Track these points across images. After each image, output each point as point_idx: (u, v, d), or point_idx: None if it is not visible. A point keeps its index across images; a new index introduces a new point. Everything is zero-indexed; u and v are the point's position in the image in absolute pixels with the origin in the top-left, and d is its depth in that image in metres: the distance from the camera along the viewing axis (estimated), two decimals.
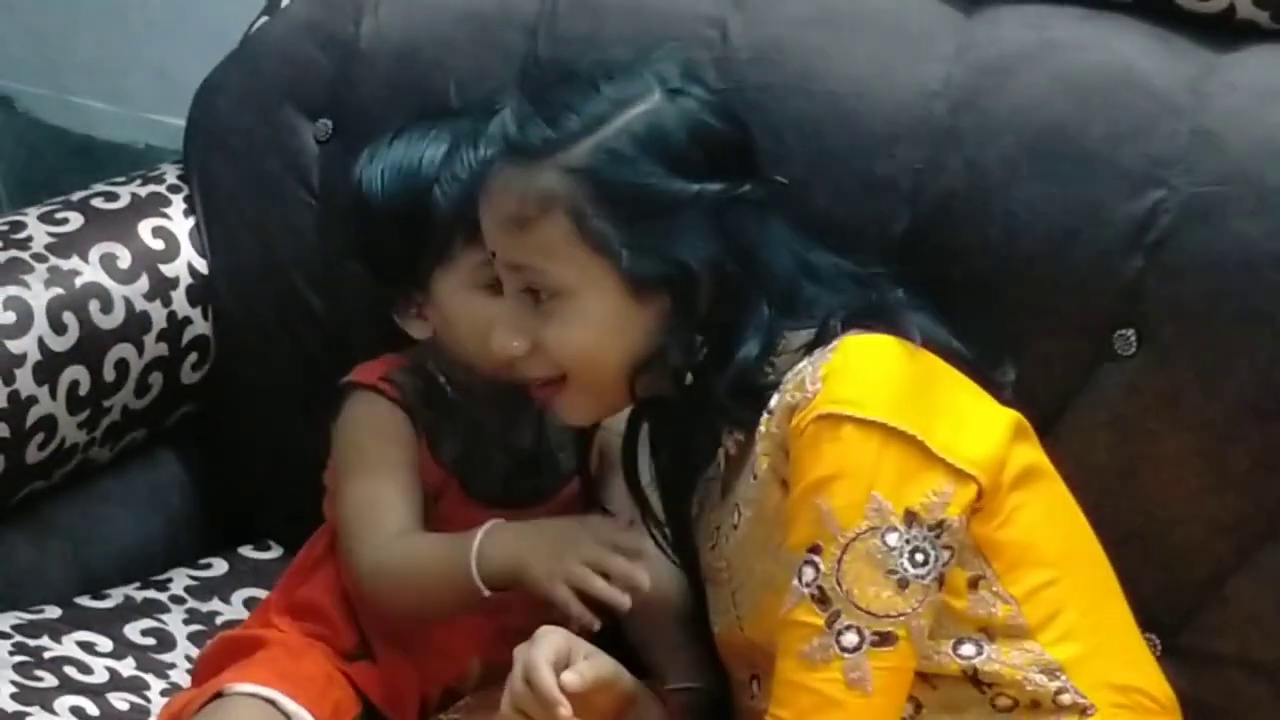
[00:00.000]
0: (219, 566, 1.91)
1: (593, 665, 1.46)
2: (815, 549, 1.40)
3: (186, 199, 1.96)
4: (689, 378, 1.49)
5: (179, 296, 1.91)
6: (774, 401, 1.45)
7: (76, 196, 1.95)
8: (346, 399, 1.70)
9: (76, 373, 1.83)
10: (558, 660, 1.45)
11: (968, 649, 1.44)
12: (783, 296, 1.49)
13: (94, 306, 1.84)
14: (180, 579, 1.89)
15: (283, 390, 1.95)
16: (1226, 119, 1.59)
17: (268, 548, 1.96)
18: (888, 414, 1.40)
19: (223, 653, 1.68)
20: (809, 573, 1.40)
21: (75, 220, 1.90)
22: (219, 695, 1.60)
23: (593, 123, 1.48)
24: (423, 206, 1.65)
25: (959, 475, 1.41)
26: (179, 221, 1.94)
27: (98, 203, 1.93)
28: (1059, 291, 1.61)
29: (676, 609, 1.64)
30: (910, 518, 1.40)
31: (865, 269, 1.53)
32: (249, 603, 1.86)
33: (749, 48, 1.75)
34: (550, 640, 1.46)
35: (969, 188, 1.64)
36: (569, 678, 1.44)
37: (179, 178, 1.99)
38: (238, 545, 1.95)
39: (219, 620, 1.83)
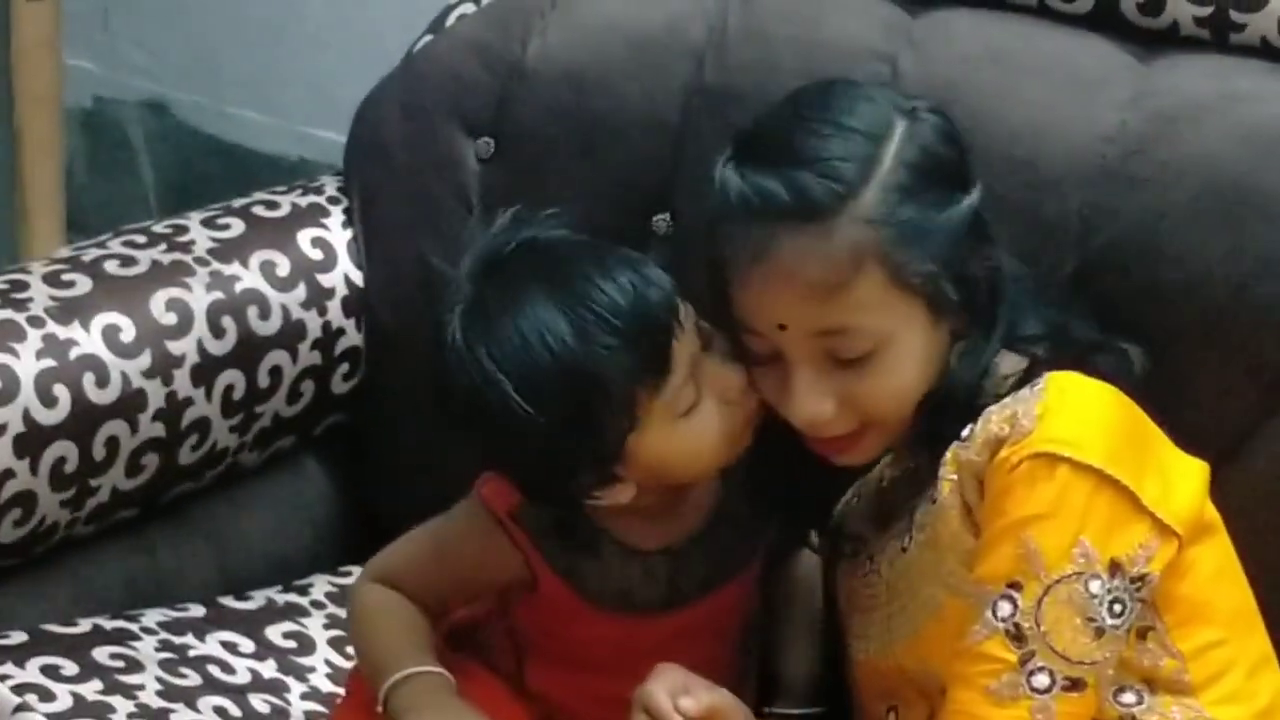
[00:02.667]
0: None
1: (710, 693, 1.47)
2: (1015, 585, 1.39)
3: (345, 211, 1.98)
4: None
5: (334, 307, 1.93)
6: (972, 429, 1.44)
7: (238, 203, 1.97)
8: (472, 500, 1.61)
9: (232, 377, 1.85)
10: (674, 691, 1.46)
11: (1128, 697, 1.43)
12: (1009, 321, 1.48)
13: (252, 312, 1.86)
14: (321, 584, 1.90)
15: (429, 406, 1.95)
16: None
17: None
18: (1104, 460, 1.39)
19: None
20: (1005, 608, 1.39)
21: (237, 226, 1.92)
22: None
23: (867, 166, 1.43)
24: (586, 393, 1.45)
25: (1165, 530, 1.40)
26: (337, 233, 1.96)
27: (259, 210, 1.96)
28: (1230, 342, 1.60)
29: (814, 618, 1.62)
30: (1115, 568, 1.39)
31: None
32: None
33: (920, 85, 1.73)
34: (669, 674, 1.47)
35: (1139, 233, 1.63)
36: (686, 703, 1.44)
37: (339, 189, 2.01)
38: None
39: None
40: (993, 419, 1.43)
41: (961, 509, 1.43)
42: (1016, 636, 1.38)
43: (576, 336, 1.45)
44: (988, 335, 1.47)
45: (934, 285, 1.43)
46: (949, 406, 1.46)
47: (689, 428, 1.50)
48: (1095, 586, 1.38)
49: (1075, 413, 1.41)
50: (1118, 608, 1.38)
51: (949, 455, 1.44)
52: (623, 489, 1.51)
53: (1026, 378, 1.45)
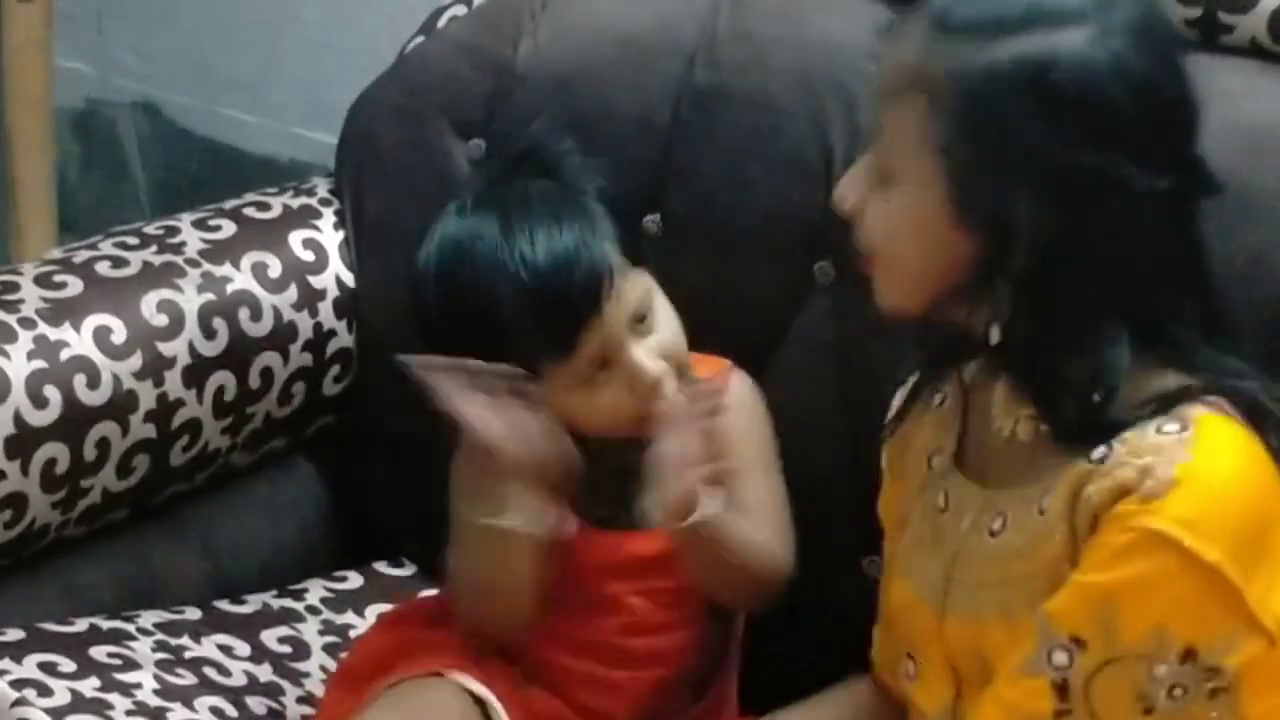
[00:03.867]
0: (354, 580, 1.93)
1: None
2: (1078, 641, 1.31)
3: (337, 212, 1.98)
4: (995, 335, 1.36)
5: (326, 308, 1.93)
6: (1104, 453, 1.32)
7: (229, 205, 1.97)
8: None
9: (223, 378, 1.85)
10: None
11: None
12: (1140, 320, 1.33)
13: (244, 314, 1.86)
14: (316, 590, 1.90)
15: (421, 408, 1.95)
16: None
17: (401, 564, 1.96)
18: (1223, 556, 1.28)
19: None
20: (1061, 657, 1.31)
21: (228, 228, 1.92)
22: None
23: (995, 29, 1.30)
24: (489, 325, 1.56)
25: (1257, 629, 1.30)
26: (329, 234, 1.96)
27: (250, 212, 1.96)
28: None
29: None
30: (1189, 654, 1.29)
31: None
32: (382, 619, 1.86)
33: None
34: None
35: None
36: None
37: (330, 191, 2.01)
38: (372, 560, 1.96)
39: (352, 633, 1.84)
40: (1128, 461, 1.31)
41: (1068, 535, 1.34)
42: (1061, 690, 1.31)
43: (492, 270, 1.56)
44: (1083, 319, 1.32)
45: (957, 177, 1.32)
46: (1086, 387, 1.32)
47: (589, 395, 1.58)
48: (1161, 671, 1.29)
49: (1214, 490, 1.29)
50: (1178, 691, 1.29)
51: (1072, 472, 1.34)
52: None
53: (1171, 402, 1.33)
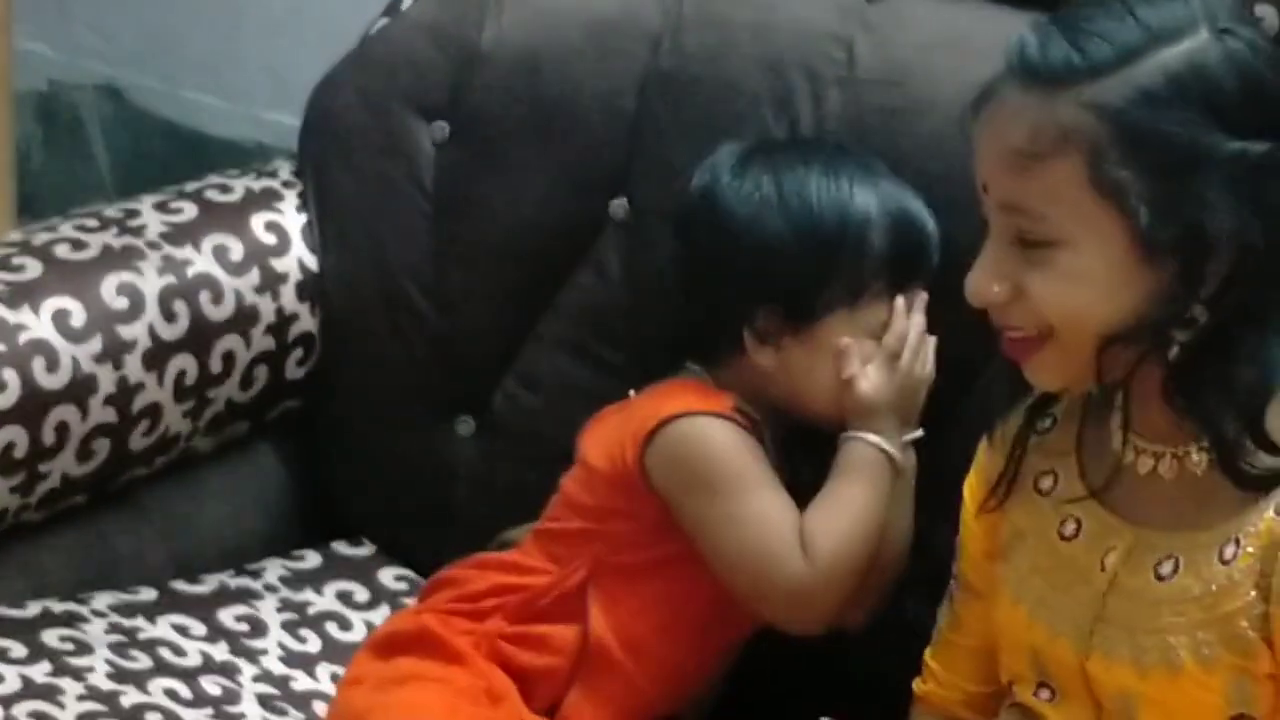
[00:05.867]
0: (312, 559, 1.91)
1: None
2: None
3: (300, 195, 1.97)
4: (1174, 353, 1.32)
5: (288, 292, 1.91)
6: None
7: (190, 187, 1.95)
8: (682, 425, 1.63)
9: (184, 362, 1.83)
10: None
11: None
12: None
13: (204, 297, 1.85)
14: (274, 568, 1.89)
15: (384, 391, 1.95)
16: None
17: (361, 544, 1.95)
18: None
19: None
20: None
21: (190, 210, 1.91)
22: None
23: (1126, 54, 1.29)
24: (855, 241, 1.63)
25: None
26: (291, 217, 1.95)
27: (211, 194, 1.94)
28: None
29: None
30: None
31: None
32: (341, 595, 1.86)
33: (876, 69, 1.74)
34: None
35: None
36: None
37: (293, 174, 1.99)
38: (331, 541, 1.95)
39: (311, 610, 1.83)
40: None
41: (1257, 599, 1.30)
42: None
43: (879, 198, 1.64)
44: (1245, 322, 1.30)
45: (1145, 210, 1.29)
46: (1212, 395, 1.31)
47: (828, 363, 1.63)
48: None
49: None
50: None
51: (1262, 525, 1.31)
52: (769, 354, 1.64)
53: None
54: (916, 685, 1.55)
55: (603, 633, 1.63)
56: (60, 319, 1.77)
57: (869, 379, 1.62)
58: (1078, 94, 1.30)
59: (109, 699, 1.63)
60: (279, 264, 1.91)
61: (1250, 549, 1.31)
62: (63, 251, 1.82)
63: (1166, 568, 1.35)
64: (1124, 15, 1.31)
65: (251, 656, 1.75)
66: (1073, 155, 1.30)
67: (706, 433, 1.62)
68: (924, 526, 1.66)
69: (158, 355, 1.81)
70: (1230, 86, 1.29)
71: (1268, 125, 1.30)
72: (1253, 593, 1.31)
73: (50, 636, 1.69)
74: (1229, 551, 1.32)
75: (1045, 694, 1.43)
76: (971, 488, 1.49)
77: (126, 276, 1.82)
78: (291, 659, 1.77)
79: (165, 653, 1.72)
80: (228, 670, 1.73)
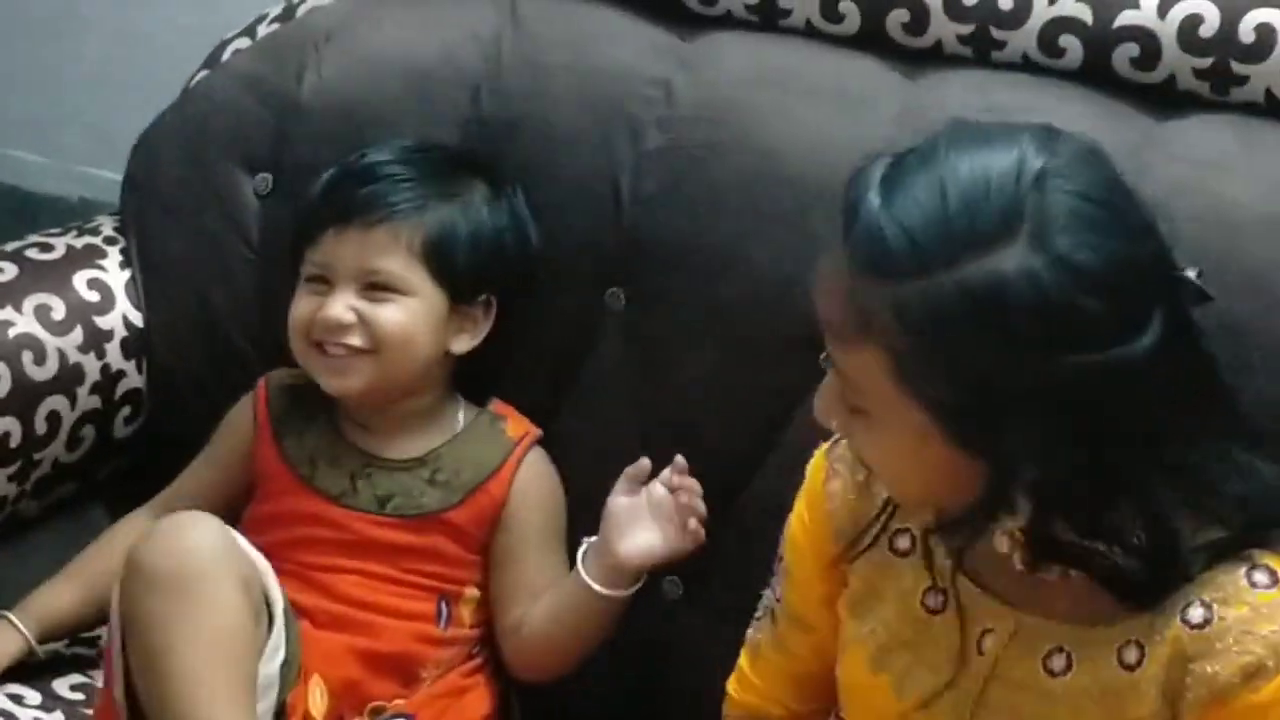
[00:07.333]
0: None
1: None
2: None
3: (123, 251, 1.95)
4: (1020, 521, 1.27)
5: (113, 349, 1.89)
6: (1204, 616, 1.25)
7: (10, 247, 1.93)
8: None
9: (7, 424, 1.80)
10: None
11: None
12: (1179, 481, 1.25)
13: (27, 358, 1.82)
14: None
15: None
16: (1169, 187, 1.58)
17: None
18: None
19: None
20: None
21: (9, 271, 1.88)
22: None
23: (928, 262, 1.19)
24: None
25: None
26: (115, 274, 1.93)
27: (32, 253, 1.91)
28: None
29: None
30: None
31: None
32: None
33: (693, 107, 1.76)
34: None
35: None
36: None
37: (115, 229, 1.97)
38: None
39: None
40: (1243, 631, 1.24)
41: (1163, 706, 1.26)
42: None
43: None
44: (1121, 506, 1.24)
45: (946, 417, 1.22)
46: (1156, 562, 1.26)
47: None
48: None
49: None
50: None
51: (1169, 633, 1.26)
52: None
53: (1227, 548, 1.26)
54: (732, 688, 1.54)
55: None
56: None
57: None
58: (882, 289, 1.22)
59: None
60: (103, 321, 1.89)
61: (1158, 658, 1.27)
62: None
63: (1058, 663, 1.30)
64: (940, 203, 1.21)
65: None
66: (877, 346, 1.23)
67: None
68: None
69: None
70: (1029, 308, 1.19)
71: (1070, 339, 1.20)
72: (1159, 701, 1.27)
73: None
74: (1130, 655, 1.28)
75: None
76: (808, 529, 1.44)
77: None
78: None
79: None
80: None
